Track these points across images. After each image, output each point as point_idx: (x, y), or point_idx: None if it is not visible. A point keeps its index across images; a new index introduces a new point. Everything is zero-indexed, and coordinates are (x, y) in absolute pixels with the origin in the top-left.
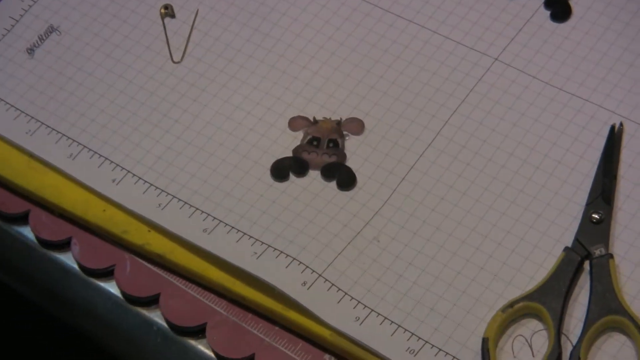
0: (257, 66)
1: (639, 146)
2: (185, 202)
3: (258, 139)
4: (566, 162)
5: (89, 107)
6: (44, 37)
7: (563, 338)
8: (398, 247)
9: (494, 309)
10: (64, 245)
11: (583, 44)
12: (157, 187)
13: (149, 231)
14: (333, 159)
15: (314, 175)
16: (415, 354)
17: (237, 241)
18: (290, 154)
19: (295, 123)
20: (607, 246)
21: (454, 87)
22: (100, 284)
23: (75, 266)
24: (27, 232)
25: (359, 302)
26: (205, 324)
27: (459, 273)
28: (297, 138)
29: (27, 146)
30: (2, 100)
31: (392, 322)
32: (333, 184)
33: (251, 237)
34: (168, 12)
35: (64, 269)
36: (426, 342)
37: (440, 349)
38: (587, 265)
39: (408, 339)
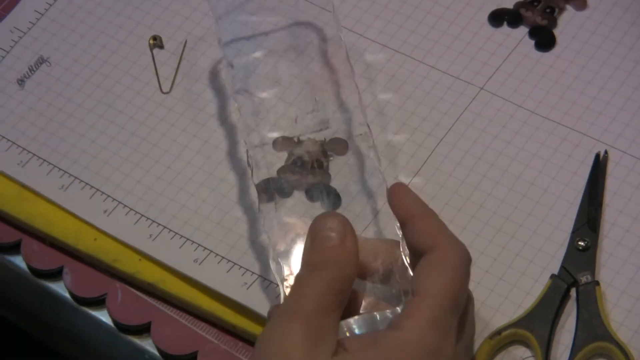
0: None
1: (624, 174)
2: (176, 233)
3: (246, 168)
4: (552, 190)
5: (79, 138)
6: (34, 68)
7: None
8: None
9: (482, 336)
10: (55, 274)
11: (568, 72)
12: (148, 218)
13: (140, 260)
14: (317, 179)
15: (298, 196)
16: None
17: (228, 271)
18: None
19: (279, 144)
20: (593, 273)
21: (440, 117)
22: (92, 312)
23: (67, 295)
24: (19, 261)
25: None
26: (196, 352)
27: None
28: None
29: (19, 178)
30: None
31: None
32: (317, 205)
33: (241, 267)
34: (157, 43)
35: (56, 298)
36: None
37: None
38: (573, 292)
39: None
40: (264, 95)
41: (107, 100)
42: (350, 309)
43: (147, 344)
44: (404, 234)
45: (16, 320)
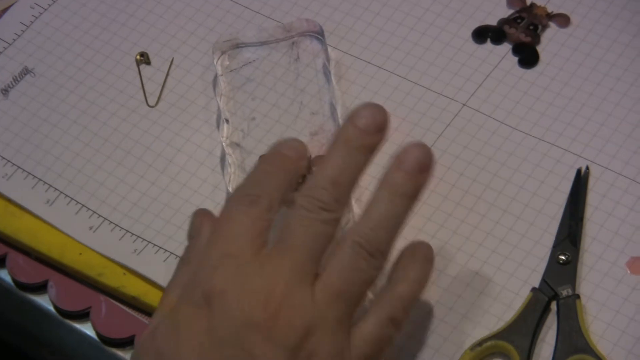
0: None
1: (605, 189)
2: (160, 247)
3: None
4: (533, 205)
5: (64, 151)
6: (19, 79)
7: None
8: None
9: (462, 347)
10: (40, 288)
11: (550, 89)
12: (133, 234)
13: (124, 274)
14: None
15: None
16: None
17: None
18: None
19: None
20: (574, 287)
21: (423, 132)
22: (77, 325)
23: (52, 308)
24: (4, 274)
25: None
26: None
27: (427, 313)
28: None
29: (3, 191)
30: None
31: None
32: None
33: None
34: (143, 59)
35: (41, 311)
36: None
37: None
38: (554, 305)
39: None
40: (255, 103)
41: (92, 112)
42: None
43: (130, 357)
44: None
45: (1, 333)
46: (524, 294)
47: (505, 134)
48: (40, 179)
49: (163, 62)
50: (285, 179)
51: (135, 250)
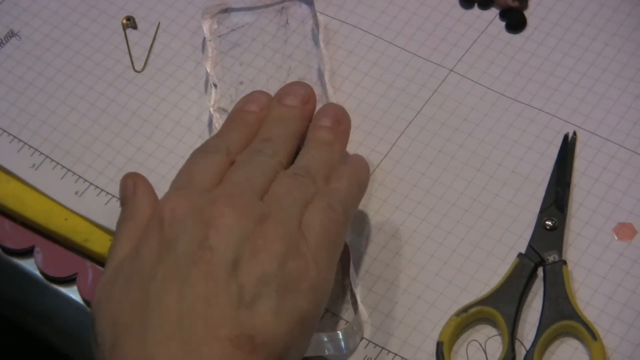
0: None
1: (592, 154)
2: None
3: None
4: (520, 171)
5: (50, 115)
6: (4, 42)
7: (517, 343)
8: (356, 257)
9: (448, 313)
10: (26, 253)
11: (537, 54)
12: (118, 199)
13: (110, 240)
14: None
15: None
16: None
17: None
18: None
19: None
20: (560, 253)
21: (409, 99)
22: (63, 290)
23: (38, 273)
24: None
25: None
26: None
27: (413, 279)
28: None
29: None
30: None
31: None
32: None
33: None
34: (130, 23)
35: (27, 277)
36: (382, 348)
37: (396, 354)
38: (540, 271)
39: (365, 347)
40: (242, 69)
41: (78, 76)
42: None
43: None
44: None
45: None
46: (510, 260)
47: (492, 99)
48: (25, 143)
49: (150, 26)
50: (245, 131)
51: None
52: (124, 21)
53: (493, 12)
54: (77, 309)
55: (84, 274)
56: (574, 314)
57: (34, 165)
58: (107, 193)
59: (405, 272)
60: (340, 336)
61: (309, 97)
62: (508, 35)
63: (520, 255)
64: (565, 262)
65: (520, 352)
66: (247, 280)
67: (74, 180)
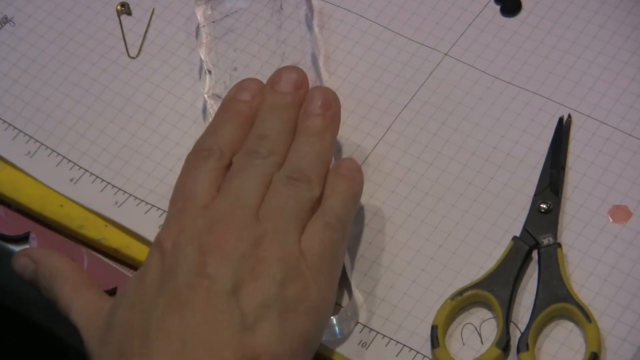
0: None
1: (587, 137)
2: (142, 200)
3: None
4: (515, 154)
5: (44, 102)
6: None
7: (512, 326)
8: (351, 242)
9: (443, 297)
10: (22, 240)
11: (532, 37)
12: (114, 186)
13: (106, 226)
14: None
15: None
16: (367, 347)
17: None
18: None
19: None
20: (555, 235)
21: (404, 83)
22: None
23: None
24: None
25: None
26: None
27: (408, 263)
28: None
29: None
30: None
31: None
32: None
33: None
34: (124, 9)
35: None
36: (377, 332)
37: (391, 338)
38: (535, 254)
39: (360, 331)
40: (236, 54)
41: (72, 62)
42: None
43: None
44: None
45: None
46: (505, 243)
47: (487, 83)
48: (21, 131)
49: (144, 13)
50: (238, 123)
51: (116, 203)
52: (119, 7)
53: None
54: None
55: (79, 260)
56: (568, 297)
57: (29, 152)
58: (103, 180)
59: (400, 256)
60: (335, 321)
61: (302, 81)
62: (503, 19)
63: (515, 238)
64: (560, 245)
65: (515, 335)
66: (247, 305)
67: (69, 168)
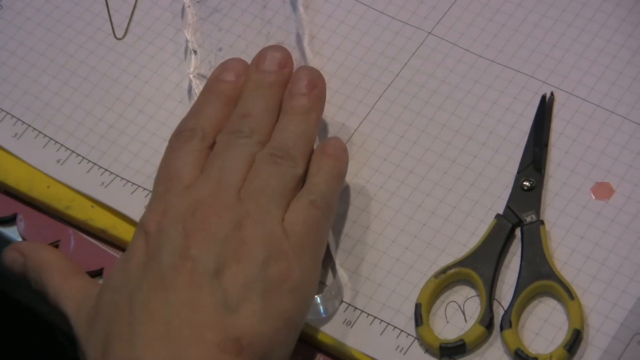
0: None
1: (570, 115)
2: (128, 181)
3: None
4: (498, 132)
5: (31, 84)
6: None
7: (495, 304)
8: (335, 220)
9: (427, 275)
10: (9, 221)
11: (515, 16)
12: (100, 167)
13: (92, 207)
14: None
15: None
16: (352, 325)
17: None
18: None
19: None
20: (538, 213)
21: (388, 62)
22: None
23: (21, 241)
24: None
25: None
26: None
27: (392, 241)
28: None
29: None
30: None
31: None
32: None
33: None
34: None
35: (10, 244)
36: (362, 311)
37: (375, 317)
38: (518, 232)
39: (345, 310)
40: (221, 35)
41: (59, 44)
42: None
43: None
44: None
45: None
46: (489, 221)
47: (470, 61)
48: (8, 113)
49: None
50: (221, 103)
51: (103, 183)
52: None
53: None
54: None
55: (66, 241)
56: (551, 274)
57: (16, 134)
58: (89, 161)
59: (384, 234)
60: (319, 300)
61: (286, 60)
62: None
63: (498, 216)
64: (542, 222)
65: (499, 313)
66: (230, 286)
67: (56, 149)
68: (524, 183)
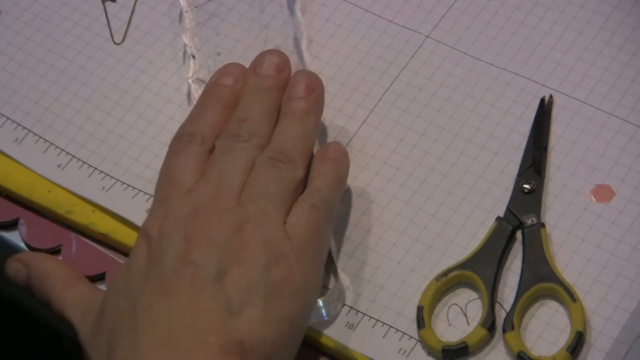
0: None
1: (569, 117)
2: (129, 185)
3: None
4: (497, 134)
5: (31, 89)
6: None
7: (497, 306)
8: (336, 224)
9: (428, 278)
10: (11, 226)
11: (513, 19)
12: (101, 171)
13: (94, 211)
14: None
15: None
16: (354, 328)
17: None
18: None
19: None
20: (538, 215)
21: (386, 65)
22: None
23: (23, 246)
24: None
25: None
26: None
27: (393, 244)
28: None
29: None
30: None
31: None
32: None
33: None
34: None
35: (12, 249)
36: (364, 314)
37: (377, 320)
38: (519, 234)
39: (347, 313)
40: (220, 39)
41: (58, 49)
42: None
43: None
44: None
45: None
46: (489, 224)
47: (468, 64)
48: (8, 118)
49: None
50: (220, 107)
51: (103, 188)
52: None
53: None
54: None
55: (68, 246)
56: (552, 276)
57: (16, 139)
58: (90, 165)
59: (385, 237)
60: (321, 304)
61: (284, 64)
62: (484, 1)
63: (498, 218)
64: (543, 225)
65: (500, 315)
66: (232, 289)
67: (57, 154)
68: (524, 186)
